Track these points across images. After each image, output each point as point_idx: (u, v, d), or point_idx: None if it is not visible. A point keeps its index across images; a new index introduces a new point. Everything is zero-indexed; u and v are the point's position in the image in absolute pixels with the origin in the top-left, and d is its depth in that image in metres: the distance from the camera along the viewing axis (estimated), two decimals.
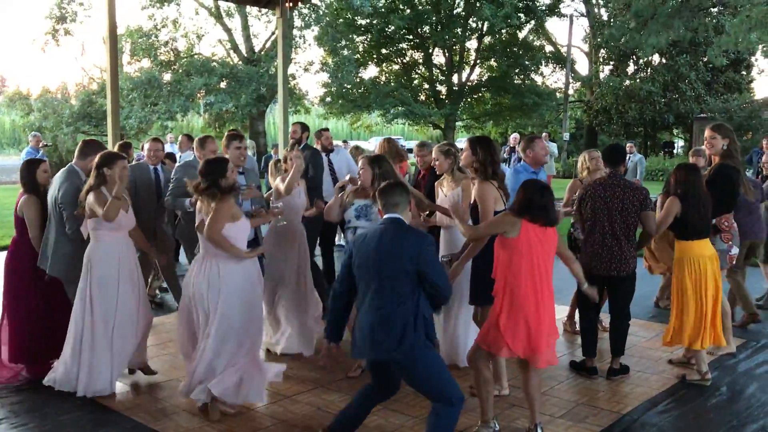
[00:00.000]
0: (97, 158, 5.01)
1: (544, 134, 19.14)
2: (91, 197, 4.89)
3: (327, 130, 8.79)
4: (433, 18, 31.37)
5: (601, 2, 35.22)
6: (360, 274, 3.81)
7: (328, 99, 31.65)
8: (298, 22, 27.56)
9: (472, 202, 5.16)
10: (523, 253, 4.23)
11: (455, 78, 33.40)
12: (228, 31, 29.33)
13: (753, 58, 32.79)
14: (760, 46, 21.64)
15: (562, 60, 35.07)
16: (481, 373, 4.35)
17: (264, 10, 25.92)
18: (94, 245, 5.00)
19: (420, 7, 31.59)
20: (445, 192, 5.66)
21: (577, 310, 6.14)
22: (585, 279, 4.87)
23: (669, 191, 5.51)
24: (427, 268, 3.67)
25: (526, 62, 32.78)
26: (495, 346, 4.27)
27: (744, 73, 34.21)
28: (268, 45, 28.83)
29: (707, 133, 6.04)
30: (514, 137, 18.38)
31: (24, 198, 5.42)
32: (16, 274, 5.46)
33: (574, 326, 6.46)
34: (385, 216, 3.90)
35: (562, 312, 7.08)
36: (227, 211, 4.61)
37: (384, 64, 34.26)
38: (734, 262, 6.24)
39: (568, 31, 33.68)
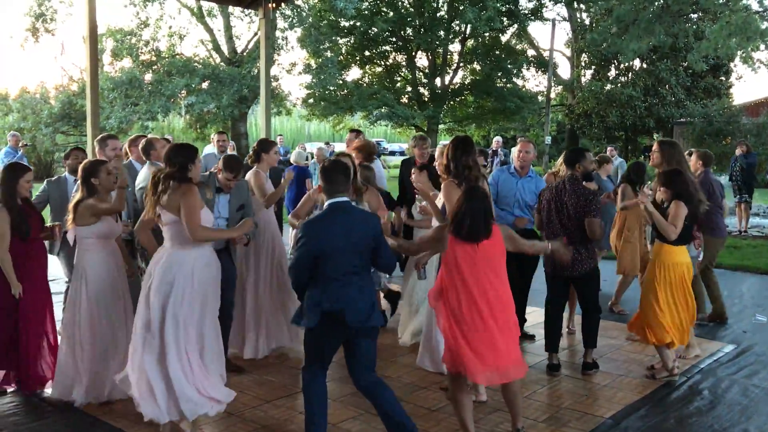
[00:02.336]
0: (80, 170, 4.90)
1: (496, 138, 19.15)
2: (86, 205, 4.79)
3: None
4: (417, 21, 31.40)
5: (584, 7, 35.45)
6: (330, 257, 3.87)
7: (311, 101, 31.55)
8: (281, 24, 27.44)
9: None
10: (451, 270, 4.12)
11: (438, 81, 33.43)
12: (210, 31, 29.14)
13: (732, 64, 33.14)
14: (739, 52, 21.82)
15: (544, 64, 35.27)
16: (457, 400, 4.23)
17: (247, 11, 25.78)
18: (86, 254, 4.86)
19: (403, 10, 31.59)
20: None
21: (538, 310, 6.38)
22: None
23: (671, 195, 5.41)
24: (381, 243, 4.01)
25: (509, 66, 32.84)
26: (453, 366, 4.17)
27: (723, 78, 34.57)
28: (250, 46, 28.69)
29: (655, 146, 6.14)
30: (496, 140, 18.42)
31: None
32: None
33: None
34: (335, 200, 3.98)
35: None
36: (197, 201, 4.32)
37: (367, 67, 34.21)
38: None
39: (551, 35, 33.89)
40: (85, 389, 4.84)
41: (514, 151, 6.55)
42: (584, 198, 5.41)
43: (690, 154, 7.41)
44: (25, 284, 5.05)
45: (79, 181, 4.96)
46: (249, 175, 5.96)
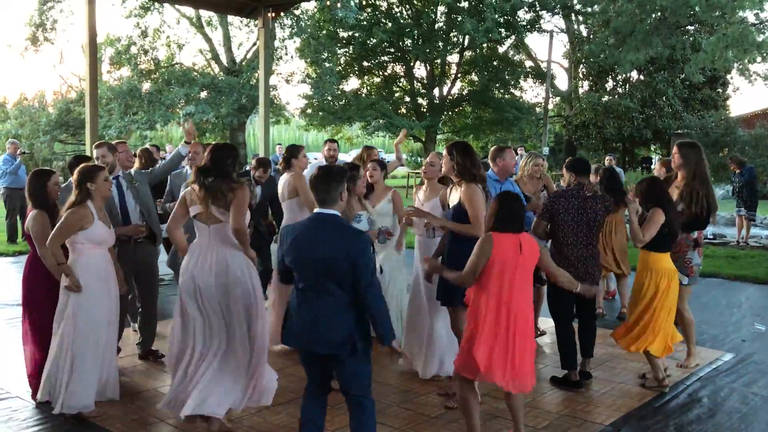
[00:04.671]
0: (76, 174, 4.82)
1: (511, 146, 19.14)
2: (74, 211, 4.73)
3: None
4: (415, 32, 31.49)
5: (581, 19, 35.61)
6: (300, 269, 3.71)
7: (309, 110, 31.60)
8: (279, 33, 27.51)
9: (451, 206, 5.05)
10: (492, 273, 4.06)
11: (436, 91, 33.52)
12: (209, 41, 29.20)
13: (729, 76, 33.28)
14: (736, 64, 21.95)
15: (542, 75, 35.35)
16: (465, 404, 4.22)
17: (246, 21, 25.82)
18: (77, 259, 4.77)
19: (402, 21, 31.71)
20: (421, 200, 5.73)
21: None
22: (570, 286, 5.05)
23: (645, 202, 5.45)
24: (360, 266, 3.58)
25: (507, 77, 32.96)
26: (466, 370, 4.13)
27: (720, 90, 34.67)
28: (249, 55, 28.75)
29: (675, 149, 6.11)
30: None
31: (31, 214, 5.06)
32: (30, 294, 5.17)
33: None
34: (320, 210, 3.75)
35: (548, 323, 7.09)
36: (247, 199, 4.44)
37: (365, 77, 34.30)
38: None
39: (548, 46, 33.95)
40: (73, 396, 4.73)
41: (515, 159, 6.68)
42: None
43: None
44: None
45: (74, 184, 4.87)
46: (287, 178, 6.18)
